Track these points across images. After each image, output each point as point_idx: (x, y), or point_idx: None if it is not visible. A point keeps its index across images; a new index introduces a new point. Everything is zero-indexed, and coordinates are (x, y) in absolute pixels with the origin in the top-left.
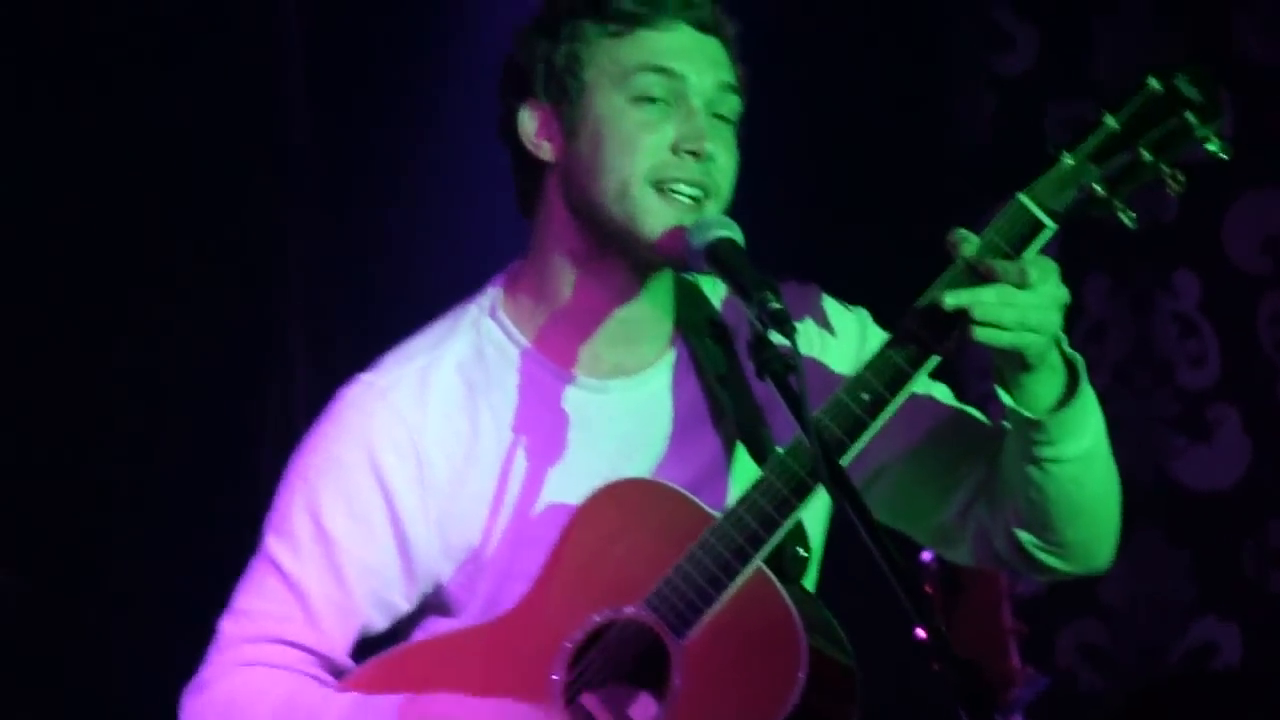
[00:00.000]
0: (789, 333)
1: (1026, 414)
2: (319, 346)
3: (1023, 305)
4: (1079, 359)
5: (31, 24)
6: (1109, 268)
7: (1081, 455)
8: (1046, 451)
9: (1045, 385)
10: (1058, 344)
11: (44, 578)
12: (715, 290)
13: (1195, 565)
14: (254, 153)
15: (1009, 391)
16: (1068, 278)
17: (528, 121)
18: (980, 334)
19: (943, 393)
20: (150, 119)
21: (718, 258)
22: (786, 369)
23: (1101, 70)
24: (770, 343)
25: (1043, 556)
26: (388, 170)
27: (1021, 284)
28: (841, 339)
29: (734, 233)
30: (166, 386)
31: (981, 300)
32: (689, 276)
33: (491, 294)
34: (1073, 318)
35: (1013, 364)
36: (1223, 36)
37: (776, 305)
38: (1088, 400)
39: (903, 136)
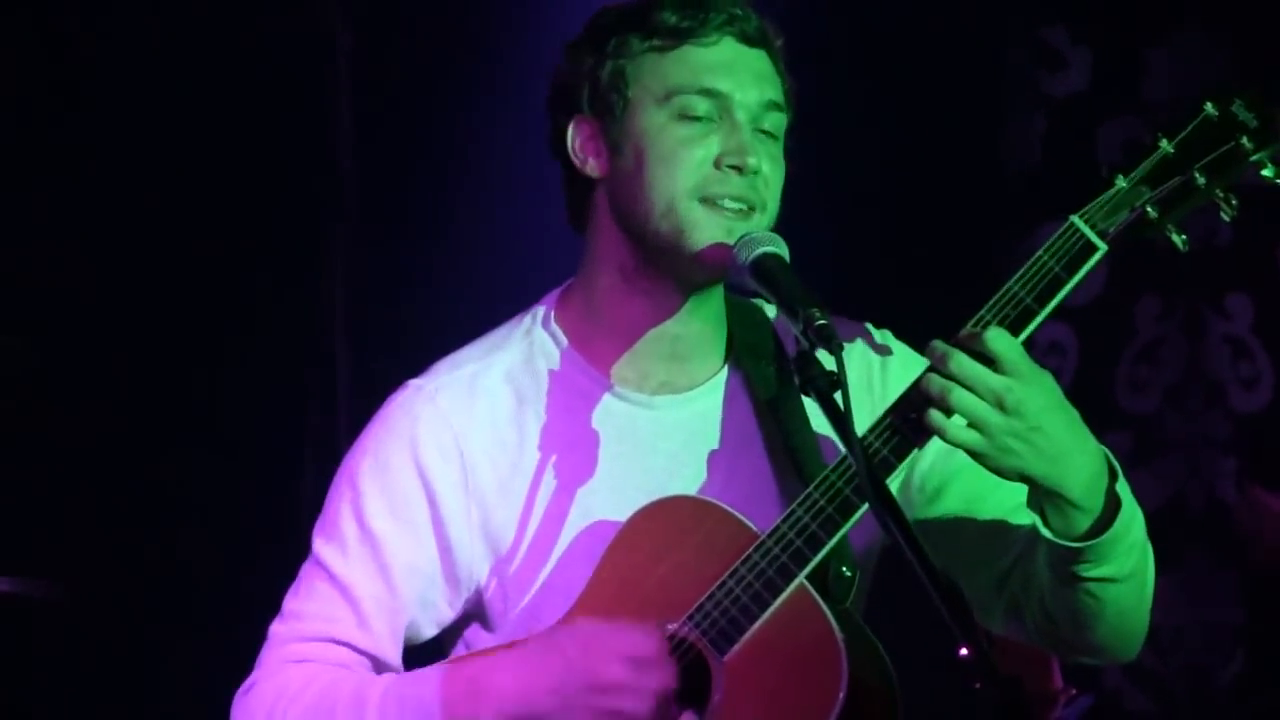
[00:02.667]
0: (835, 349)
1: (1046, 534)
2: (361, 365)
3: (968, 381)
4: (1126, 496)
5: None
6: (1162, 290)
7: (1105, 578)
8: (1069, 568)
9: (1073, 521)
10: (1113, 481)
11: (87, 590)
12: (776, 314)
13: (1243, 588)
14: (299, 174)
15: (1037, 510)
16: (1122, 298)
17: (574, 137)
18: (932, 419)
19: None
20: (198, 143)
21: (763, 273)
22: (831, 385)
23: (1153, 91)
24: (815, 359)
25: (1064, 650)
26: (431, 190)
27: (971, 349)
28: (909, 377)
29: (780, 249)
30: (210, 404)
31: (930, 353)
32: (750, 300)
33: (545, 306)
34: (1125, 339)
35: (1031, 492)
36: (1275, 57)
37: (822, 321)
38: (1121, 535)
39: (954, 156)
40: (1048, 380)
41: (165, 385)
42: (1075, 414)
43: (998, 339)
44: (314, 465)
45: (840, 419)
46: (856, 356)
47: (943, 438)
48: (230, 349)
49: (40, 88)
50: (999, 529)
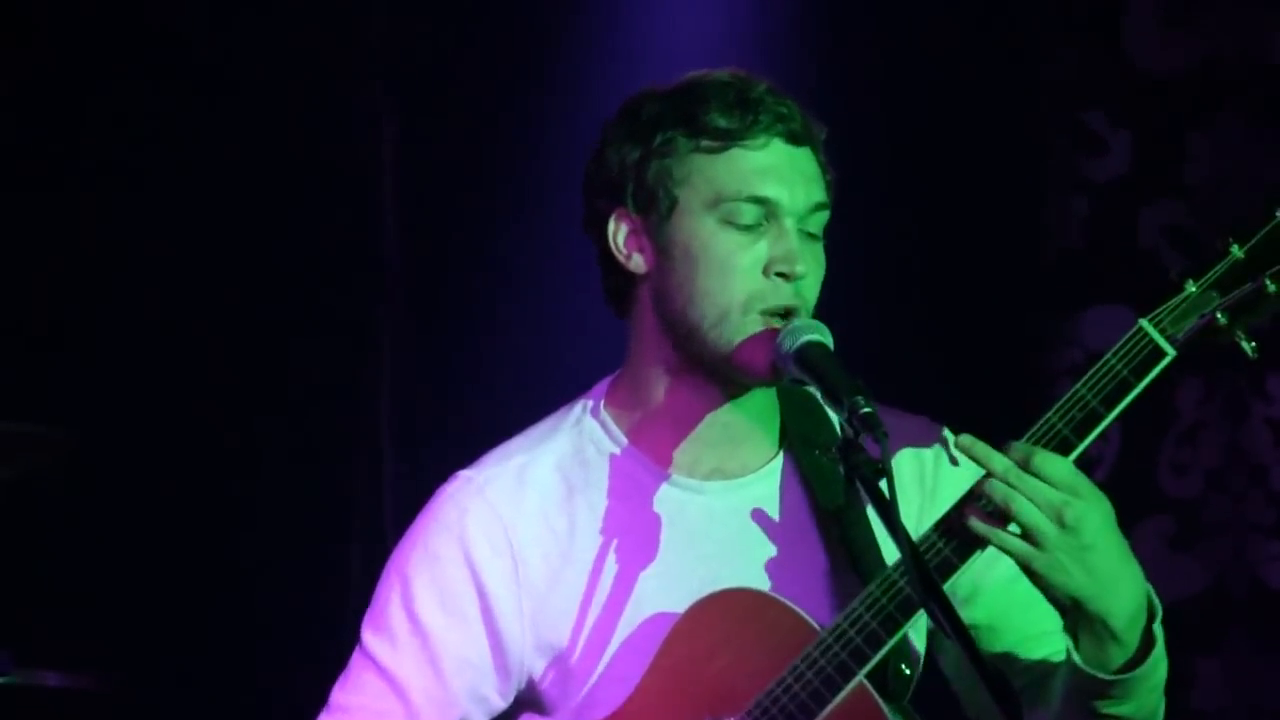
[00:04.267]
0: (880, 437)
1: (1076, 660)
2: (407, 452)
3: (1029, 493)
4: (1160, 638)
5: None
6: (1203, 372)
7: (1121, 717)
8: (1090, 701)
9: (1108, 652)
10: (1150, 618)
11: (134, 676)
12: None
13: None
14: (344, 261)
15: (1071, 636)
16: (1163, 381)
17: (617, 231)
18: (980, 527)
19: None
20: (243, 230)
21: (806, 362)
22: (876, 473)
23: (1195, 175)
24: (860, 446)
25: None
26: (477, 278)
27: (1031, 469)
28: (963, 475)
29: (824, 336)
30: (255, 494)
31: (993, 466)
32: (807, 388)
33: (595, 394)
34: (1166, 422)
35: (1073, 615)
36: None
37: (867, 409)
38: (1148, 675)
39: (995, 240)
40: (1106, 503)
41: (210, 476)
42: (1127, 544)
43: (1053, 463)
44: (360, 555)
45: (885, 506)
46: (909, 451)
47: (996, 545)
48: (275, 438)
49: (83, 175)
50: (1017, 651)
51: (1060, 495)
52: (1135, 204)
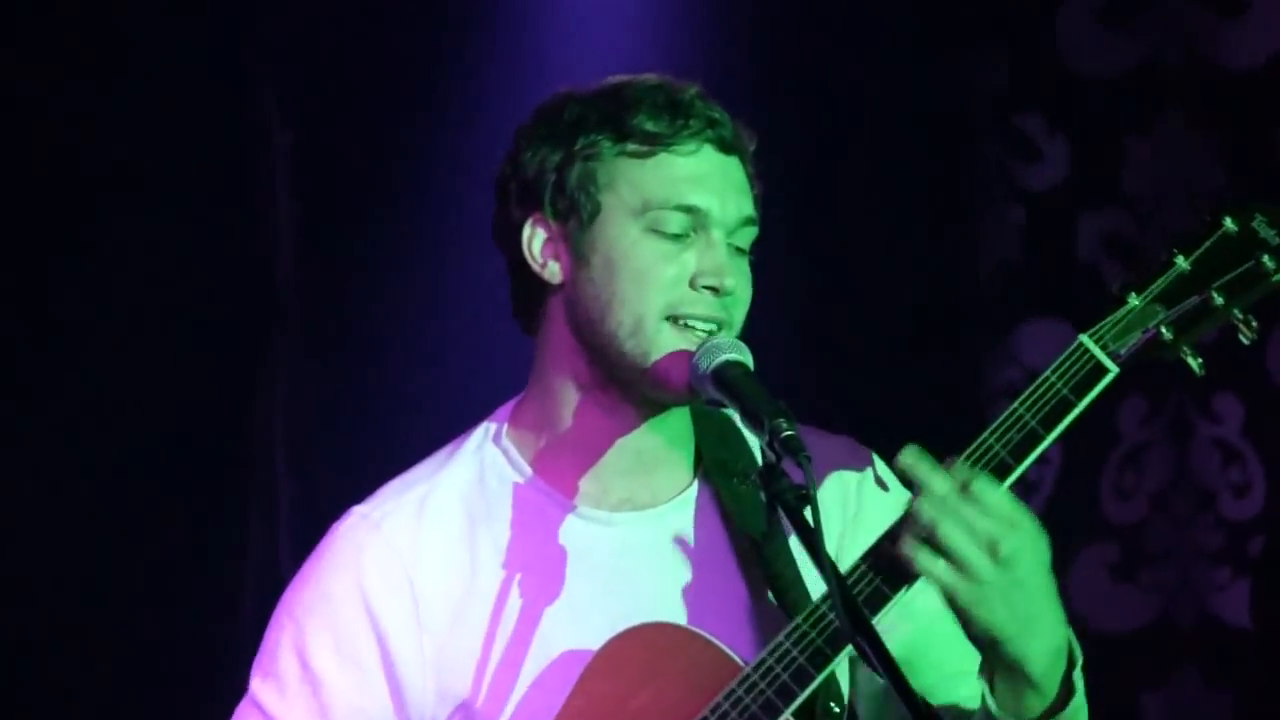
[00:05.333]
0: (802, 460)
1: (991, 706)
2: (304, 483)
3: (966, 520)
4: (1080, 687)
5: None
6: (1146, 391)
7: None
8: None
9: (1024, 700)
10: (1070, 668)
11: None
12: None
13: (1237, 707)
14: (239, 282)
15: (988, 680)
16: (1105, 401)
17: (533, 239)
18: (909, 550)
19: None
20: (130, 249)
21: (725, 382)
22: (799, 499)
23: (1135, 183)
24: (783, 472)
25: None
26: (374, 300)
27: (971, 494)
28: (889, 499)
29: (744, 356)
30: (146, 527)
31: (931, 489)
32: (724, 413)
33: (496, 421)
34: (1109, 443)
35: (990, 656)
36: (1260, 149)
37: (788, 432)
38: None
39: (930, 251)
40: (1044, 541)
41: (95, 509)
42: (1056, 586)
43: (994, 491)
44: (254, 592)
45: (809, 534)
46: (833, 474)
47: (920, 569)
48: (164, 469)
49: None
50: (933, 689)
51: (998, 526)
52: (1073, 213)
